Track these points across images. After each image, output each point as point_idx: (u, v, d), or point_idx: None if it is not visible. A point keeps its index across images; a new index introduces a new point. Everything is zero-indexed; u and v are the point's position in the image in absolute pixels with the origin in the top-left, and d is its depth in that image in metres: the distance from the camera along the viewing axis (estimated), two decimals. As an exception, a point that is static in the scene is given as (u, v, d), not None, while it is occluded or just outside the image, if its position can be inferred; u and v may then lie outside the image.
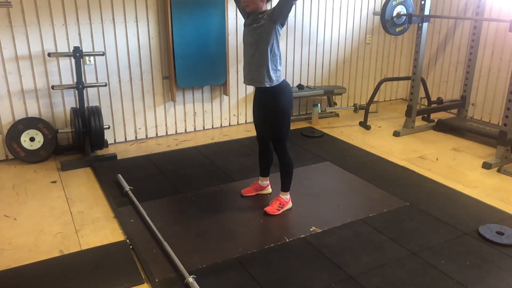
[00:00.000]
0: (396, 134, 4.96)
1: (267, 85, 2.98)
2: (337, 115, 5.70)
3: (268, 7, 2.98)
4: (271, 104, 3.03)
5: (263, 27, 2.88)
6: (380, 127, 5.28)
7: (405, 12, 4.81)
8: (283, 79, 3.06)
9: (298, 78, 5.51)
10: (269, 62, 2.94)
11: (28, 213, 3.28)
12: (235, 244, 2.86)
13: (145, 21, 4.46)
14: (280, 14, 2.83)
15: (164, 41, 4.58)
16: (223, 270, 2.61)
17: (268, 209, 3.23)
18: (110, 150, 4.46)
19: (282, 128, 3.08)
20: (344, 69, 5.84)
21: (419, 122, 5.27)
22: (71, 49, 4.07)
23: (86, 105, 4.25)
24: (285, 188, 3.27)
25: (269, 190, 3.52)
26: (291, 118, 3.28)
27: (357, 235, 2.98)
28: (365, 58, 5.95)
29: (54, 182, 3.79)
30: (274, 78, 2.97)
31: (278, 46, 2.97)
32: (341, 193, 3.62)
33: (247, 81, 3.10)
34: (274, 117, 3.06)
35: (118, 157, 4.26)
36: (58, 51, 4.13)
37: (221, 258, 2.71)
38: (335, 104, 5.68)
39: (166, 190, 3.63)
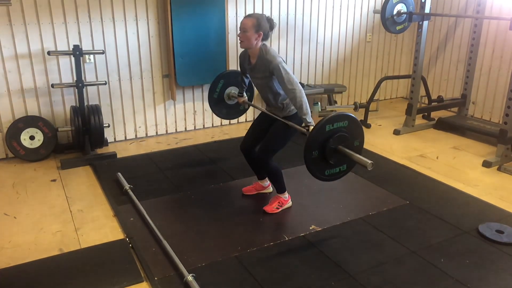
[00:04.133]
0: (397, 132, 4.96)
1: (285, 114, 3.06)
2: (337, 113, 5.68)
3: (263, 46, 2.92)
4: (280, 122, 3.06)
5: (265, 77, 2.94)
6: (380, 125, 5.28)
7: (406, 10, 4.80)
8: None
9: (298, 76, 5.50)
10: (283, 94, 2.99)
11: (28, 211, 3.28)
12: (234, 243, 2.86)
13: (145, 19, 4.45)
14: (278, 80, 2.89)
15: (164, 40, 4.58)
16: (222, 269, 2.61)
17: (267, 208, 3.23)
18: (110, 148, 4.46)
19: (278, 146, 3.12)
20: (345, 67, 5.83)
21: (419, 120, 5.26)
22: (71, 47, 4.07)
23: (86, 103, 4.25)
24: (279, 190, 3.26)
25: (269, 189, 3.52)
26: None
27: (357, 234, 2.98)
28: (365, 57, 5.94)
29: (54, 180, 3.79)
30: (291, 107, 3.03)
31: None
32: (341, 192, 3.61)
33: (268, 109, 3.17)
34: (277, 133, 3.09)
35: (118, 156, 4.26)
36: (58, 49, 4.12)
37: (220, 256, 2.72)
38: (335, 102, 5.67)
39: (165, 188, 3.63)
